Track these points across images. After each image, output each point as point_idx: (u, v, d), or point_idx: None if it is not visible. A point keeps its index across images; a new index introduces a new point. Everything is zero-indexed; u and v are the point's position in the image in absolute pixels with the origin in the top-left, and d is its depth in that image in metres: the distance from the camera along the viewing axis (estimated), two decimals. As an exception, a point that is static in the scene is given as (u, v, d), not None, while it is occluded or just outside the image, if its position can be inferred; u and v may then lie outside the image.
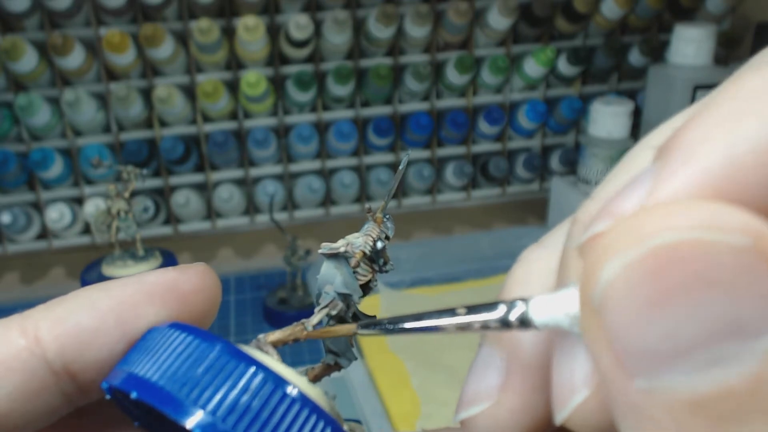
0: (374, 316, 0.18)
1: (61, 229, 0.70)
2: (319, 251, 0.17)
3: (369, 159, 0.76)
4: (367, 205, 0.18)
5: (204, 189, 0.74)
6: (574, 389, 0.12)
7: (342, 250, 0.17)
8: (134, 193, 0.62)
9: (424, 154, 0.77)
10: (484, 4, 0.70)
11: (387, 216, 0.18)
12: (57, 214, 0.69)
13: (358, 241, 0.17)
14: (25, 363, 0.15)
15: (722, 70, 0.67)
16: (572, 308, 0.12)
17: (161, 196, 0.73)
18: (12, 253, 0.71)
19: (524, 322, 0.13)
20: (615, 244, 0.10)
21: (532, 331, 0.14)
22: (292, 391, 0.14)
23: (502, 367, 0.14)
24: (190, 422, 0.13)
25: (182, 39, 0.68)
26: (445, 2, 0.70)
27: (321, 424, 0.14)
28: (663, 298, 0.10)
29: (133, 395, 0.14)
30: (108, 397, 0.15)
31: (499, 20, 0.69)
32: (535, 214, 0.81)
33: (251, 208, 0.75)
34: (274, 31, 0.68)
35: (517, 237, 0.72)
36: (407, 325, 0.15)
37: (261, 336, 0.17)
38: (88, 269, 0.65)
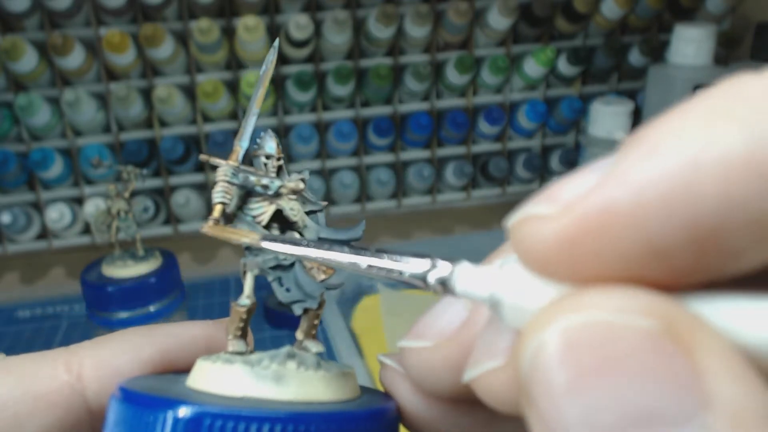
0: (298, 235, 0.17)
1: (61, 229, 0.70)
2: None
3: (369, 159, 0.76)
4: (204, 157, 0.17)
5: (204, 189, 0.74)
6: (490, 355, 0.12)
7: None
8: (134, 193, 0.61)
9: (424, 154, 0.77)
10: (484, 4, 0.70)
11: (259, 138, 0.17)
12: (57, 214, 0.69)
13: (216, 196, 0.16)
14: (66, 398, 0.16)
15: (722, 70, 0.67)
16: (493, 285, 0.11)
17: (161, 196, 0.73)
18: (12, 253, 0.71)
19: (444, 286, 0.12)
20: (536, 324, 0.10)
21: (448, 297, 0.13)
22: (184, 413, 0.13)
23: (461, 317, 0.14)
24: None
25: (182, 39, 0.68)
26: (445, 2, 0.70)
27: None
28: (579, 382, 0.09)
29: None
30: None
31: (499, 20, 0.69)
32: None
33: (251, 208, 0.75)
34: (274, 31, 0.68)
35: (517, 237, 0.72)
36: (313, 252, 0.14)
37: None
38: (88, 269, 0.65)
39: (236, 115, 0.72)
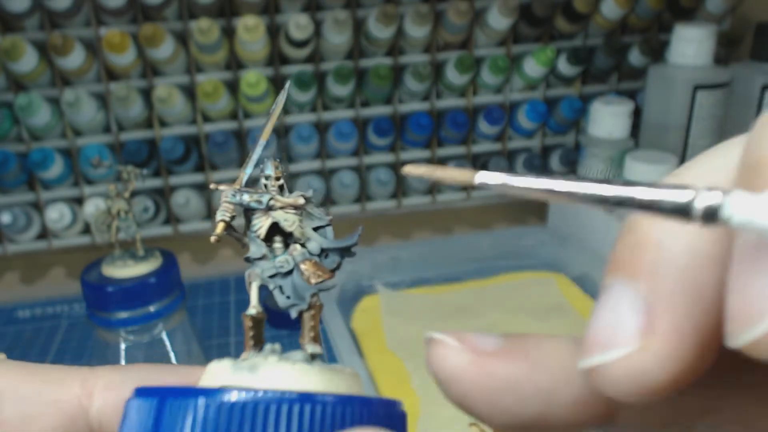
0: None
1: (61, 229, 0.70)
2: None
3: (369, 159, 0.76)
4: (212, 185, 0.19)
5: (204, 189, 0.74)
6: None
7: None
8: (134, 193, 0.61)
9: (424, 154, 0.77)
10: (484, 4, 0.70)
11: (262, 164, 0.18)
12: (57, 214, 0.69)
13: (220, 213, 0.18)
14: (73, 409, 0.18)
15: (722, 70, 0.67)
16: None
17: (161, 196, 0.73)
18: (12, 253, 0.71)
19: (714, 216, 0.10)
20: None
21: (697, 239, 0.11)
22: (230, 398, 0.14)
23: (640, 305, 0.12)
24: None
25: (182, 39, 0.68)
26: (445, 2, 0.70)
27: (293, 408, 0.14)
28: None
29: None
30: None
31: (499, 20, 0.69)
32: (535, 214, 0.81)
33: (251, 208, 0.75)
34: (274, 31, 0.68)
35: (517, 237, 0.72)
36: (556, 185, 0.12)
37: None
38: (88, 269, 0.65)
39: (236, 115, 0.72)
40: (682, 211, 0.11)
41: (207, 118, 0.71)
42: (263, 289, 0.17)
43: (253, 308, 0.17)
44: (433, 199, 0.79)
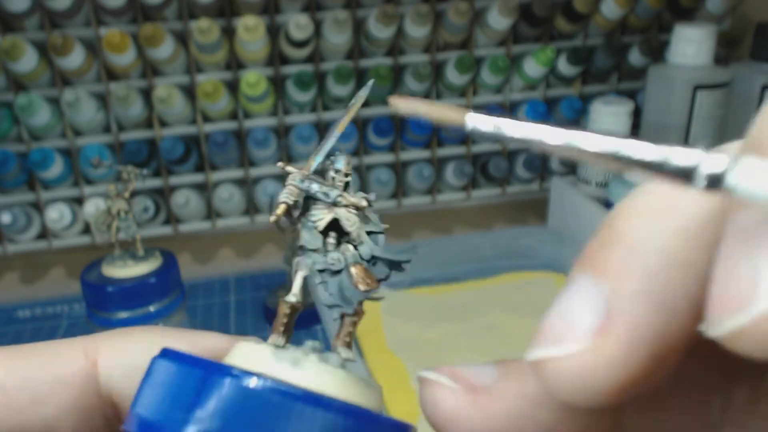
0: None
1: (61, 229, 0.70)
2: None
3: (369, 159, 0.76)
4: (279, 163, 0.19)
5: (204, 189, 0.74)
6: (760, 291, 0.09)
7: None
8: (134, 193, 0.61)
9: (424, 154, 0.77)
10: (484, 4, 0.70)
11: (333, 156, 0.18)
12: (57, 214, 0.69)
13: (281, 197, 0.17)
14: (82, 381, 0.17)
15: (722, 70, 0.67)
16: None
17: (161, 196, 0.73)
18: (12, 253, 0.71)
19: (718, 183, 0.09)
20: None
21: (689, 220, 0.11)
22: (259, 384, 0.14)
23: (600, 305, 0.11)
24: None
25: (182, 39, 0.68)
26: (445, 2, 0.70)
27: (318, 412, 0.14)
28: None
29: None
30: None
31: (499, 20, 0.69)
32: (535, 214, 0.81)
33: (251, 208, 0.75)
34: (274, 31, 0.68)
35: (517, 237, 0.72)
36: (549, 135, 0.11)
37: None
38: (88, 269, 0.65)
39: (236, 115, 0.72)
40: (686, 175, 0.10)
41: (207, 118, 0.71)
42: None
43: (294, 296, 0.17)
44: (433, 199, 0.79)
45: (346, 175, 0.18)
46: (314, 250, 0.17)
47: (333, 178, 0.18)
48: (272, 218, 0.17)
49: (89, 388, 0.17)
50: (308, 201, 0.18)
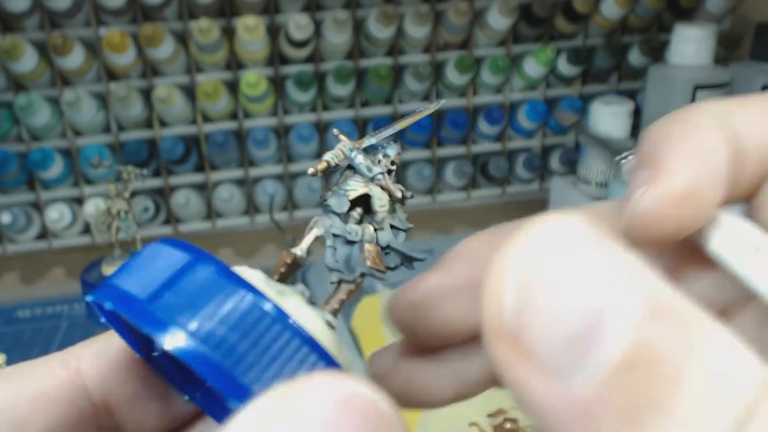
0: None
1: (61, 229, 0.70)
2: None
3: (369, 159, 0.76)
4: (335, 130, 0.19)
5: (204, 189, 0.74)
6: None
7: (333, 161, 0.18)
8: (134, 193, 0.62)
9: (424, 154, 0.77)
10: (484, 4, 0.70)
11: (385, 143, 0.19)
12: (57, 214, 0.69)
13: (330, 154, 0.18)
14: (66, 393, 0.16)
15: (722, 70, 0.67)
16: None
17: (161, 196, 0.73)
18: (12, 253, 0.71)
19: None
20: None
21: None
22: (270, 309, 0.14)
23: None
24: (167, 342, 0.13)
25: (182, 39, 0.68)
26: (445, 2, 0.70)
27: (304, 349, 0.14)
28: None
29: (108, 305, 0.14)
30: (103, 320, 0.16)
31: (499, 20, 0.69)
32: (535, 214, 0.81)
33: (251, 208, 0.75)
34: (274, 31, 0.68)
35: (517, 237, 0.72)
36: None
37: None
38: (88, 269, 0.65)
39: (236, 115, 0.72)
40: None
41: (207, 118, 0.71)
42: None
43: (300, 249, 0.17)
44: (433, 199, 0.79)
45: (393, 163, 0.18)
46: (337, 214, 0.17)
47: (380, 161, 0.18)
48: (310, 171, 0.17)
49: (76, 398, 0.16)
50: (348, 171, 0.18)
